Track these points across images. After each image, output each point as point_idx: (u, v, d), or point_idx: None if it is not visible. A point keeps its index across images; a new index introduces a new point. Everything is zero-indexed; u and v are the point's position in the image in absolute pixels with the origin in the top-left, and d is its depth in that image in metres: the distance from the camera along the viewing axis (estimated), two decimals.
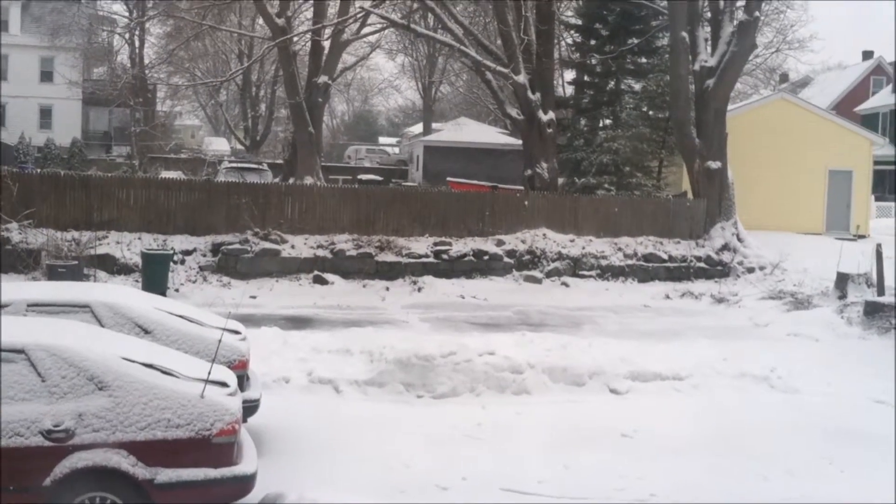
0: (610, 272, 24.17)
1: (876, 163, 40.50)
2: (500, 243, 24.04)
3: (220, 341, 8.72)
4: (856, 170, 33.60)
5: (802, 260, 25.13)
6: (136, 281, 19.81)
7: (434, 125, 59.55)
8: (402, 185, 43.80)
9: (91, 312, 9.32)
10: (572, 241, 24.66)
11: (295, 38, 33.39)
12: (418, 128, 65.60)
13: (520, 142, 31.99)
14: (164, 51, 45.50)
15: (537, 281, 23.28)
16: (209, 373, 7.69)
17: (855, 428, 11.98)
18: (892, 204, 44.02)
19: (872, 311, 18.75)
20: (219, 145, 66.26)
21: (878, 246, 20.94)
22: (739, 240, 26.32)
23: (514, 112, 28.99)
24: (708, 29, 29.90)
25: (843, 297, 20.75)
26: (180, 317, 9.99)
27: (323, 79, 32.57)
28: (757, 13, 27.72)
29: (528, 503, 8.98)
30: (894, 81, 57.12)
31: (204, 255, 21.88)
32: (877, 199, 42.59)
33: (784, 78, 67.02)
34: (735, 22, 27.27)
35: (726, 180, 27.02)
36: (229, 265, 21.63)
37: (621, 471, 9.89)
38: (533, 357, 13.85)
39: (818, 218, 33.12)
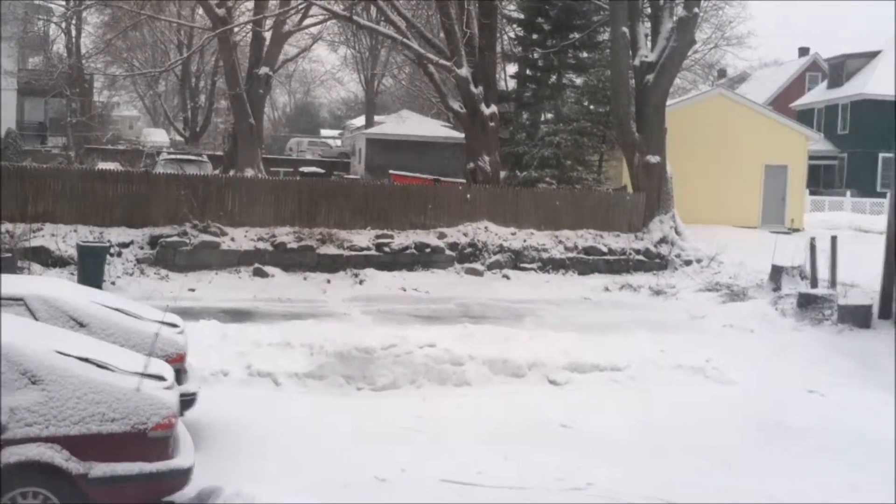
0: (551, 265, 24.33)
1: (811, 158, 41.44)
2: (441, 236, 24.07)
3: (157, 335, 8.64)
4: (791, 165, 34.24)
5: (738, 253, 25.53)
6: (72, 274, 19.47)
7: (376, 118, 59.36)
8: (344, 177, 43.62)
9: (25, 305, 9.15)
10: (514, 234, 24.78)
11: (236, 29, 33.06)
12: (360, 120, 65.36)
13: (462, 135, 32.08)
14: (101, 40, 44.66)
15: (479, 273, 23.36)
16: (146, 366, 7.61)
17: (789, 419, 12.20)
18: (826, 198, 44.96)
19: (806, 303, 19.17)
20: (157, 136, 65.24)
21: (812, 239, 21.38)
22: (677, 233, 26.67)
23: (456, 105, 29.03)
24: (648, 25, 30.23)
25: (777, 289, 21.17)
26: (117, 310, 9.86)
27: (264, 70, 32.34)
28: (696, 9, 28.09)
29: (467, 494, 9.02)
30: (829, 77, 58.24)
31: (141, 248, 21.57)
32: (811, 194, 43.46)
33: (722, 74, 68.11)
34: (674, 18, 27.59)
35: (665, 174, 27.35)
36: (167, 258, 21.35)
37: (560, 461, 9.99)
38: (474, 349, 13.93)
39: (754, 212, 33.69)
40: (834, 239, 20.81)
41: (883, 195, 38.61)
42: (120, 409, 7.20)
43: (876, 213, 39.03)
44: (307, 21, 36.38)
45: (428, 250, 23.49)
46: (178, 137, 59.56)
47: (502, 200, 25.62)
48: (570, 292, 22.41)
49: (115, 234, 21.44)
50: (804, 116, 56.15)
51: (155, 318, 9.88)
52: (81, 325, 9.23)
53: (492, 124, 27.96)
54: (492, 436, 10.83)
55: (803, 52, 69.58)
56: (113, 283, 19.40)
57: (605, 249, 25.05)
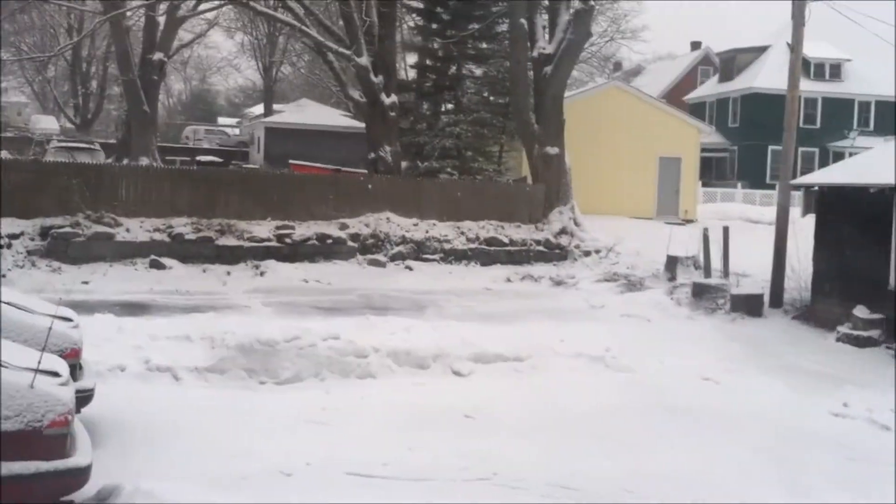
0: (453, 256, 24.43)
1: (703, 150, 42.61)
2: (343, 227, 23.92)
3: (50, 329, 8.35)
4: (684, 157, 35.15)
5: (635, 243, 26.09)
6: None
7: (275, 106, 58.62)
8: (243, 167, 43.02)
9: None
10: (416, 224, 24.79)
11: (128, 13, 32.21)
12: (259, 109, 64.43)
13: (363, 125, 31.90)
14: None
15: (381, 265, 23.32)
16: (39, 362, 7.34)
17: (686, 403, 12.55)
18: (718, 190, 46.24)
19: (700, 292, 19.72)
20: (47, 123, 63.15)
21: (705, 230, 21.97)
22: (576, 224, 27.09)
23: (356, 95, 28.87)
24: (546, 17, 30.57)
25: (672, 279, 21.72)
26: (7, 304, 9.50)
27: (158, 55, 31.64)
28: (592, 3, 28.50)
29: (373, 486, 9.00)
30: (720, 71, 59.86)
31: (32, 239, 20.85)
32: (704, 185, 44.66)
33: (618, 67, 69.39)
34: (571, 10, 27.95)
35: (564, 166, 27.74)
36: (59, 249, 20.68)
37: (464, 451, 10.04)
38: (377, 341, 13.89)
39: (649, 203, 34.48)
40: (726, 230, 21.43)
41: (772, 187, 39.92)
42: (13, 407, 6.94)
43: (766, 205, 40.33)
44: (203, 6, 35.69)
45: (330, 241, 23.31)
46: (69, 125, 57.85)
47: (404, 191, 25.61)
48: (472, 283, 22.55)
49: (5, 225, 20.64)
50: (696, 110, 57.63)
51: (47, 312, 9.54)
52: None
53: (392, 114, 27.92)
54: (397, 428, 10.83)
55: (695, 46, 71.38)
56: (3, 276, 18.70)
57: (506, 240, 25.26)
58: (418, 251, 24.11)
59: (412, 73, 37.99)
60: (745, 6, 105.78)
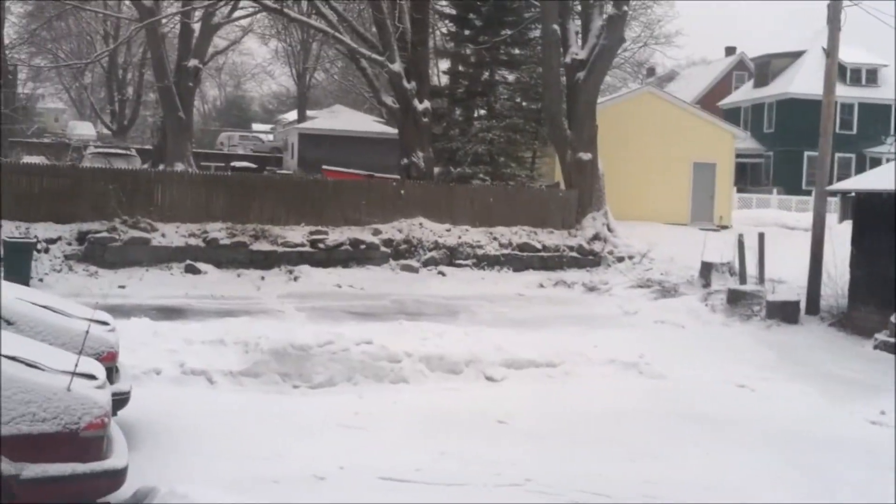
0: (485, 261, 24.43)
1: (738, 156, 42.27)
2: (376, 232, 24.00)
3: (87, 332, 8.43)
4: (719, 162, 34.86)
5: (669, 249, 25.95)
6: None
7: (309, 112, 58.92)
8: (277, 172, 43.25)
9: None
10: (448, 230, 24.82)
11: (164, 20, 32.55)
12: (293, 115, 64.79)
13: (395, 131, 32.01)
14: (25, 31, 43.69)
15: (414, 270, 23.35)
16: (76, 365, 7.42)
17: (718, 412, 12.43)
18: (754, 196, 45.85)
19: (735, 298, 19.56)
20: (84, 129, 63.78)
21: (740, 236, 21.81)
22: (610, 230, 26.99)
23: (389, 101, 28.97)
24: (579, 22, 30.51)
25: (707, 285, 21.56)
26: (44, 307, 9.61)
27: (193, 62, 31.91)
28: (625, 8, 28.45)
29: (405, 491, 9.00)
30: (755, 77, 59.40)
31: (69, 244, 21.12)
32: (739, 191, 44.29)
33: (651, 72, 69.10)
34: (604, 16, 27.90)
35: (597, 171, 27.66)
36: (96, 254, 20.93)
37: (497, 456, 10.02)
38: (410, 346, 13.91)
39: (683, 209, 34.23)
40: (761, 236, 21.25)
41: (808, 193, 39.52)
42: (51, 409, 7.02)
43: (802, 211, 39.91)
44: (237, 13, 35.96)
45: (363, 247, 23.40)
46: (106, 131, 58.47)
47: (437, 197, 25.66)
48: (505, 289, 22.53)
49: (42, 230, 20.95)
50: (731, 115, 57.18)
51: (85, 316, 9.64)
52: (9, 323, 8.97)
53: (425, 120, 27.98)
54: (429, 432, 10.83)
55: (730, 51, 70.83)
56: (41, 280, 18.95)
57: (539, 246, 25.23)
58: (451, 257, 24.13)
59: (445, 79, 38.09)
60: (780, 11, 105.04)
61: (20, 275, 17.87)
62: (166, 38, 35.50)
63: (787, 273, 21.78)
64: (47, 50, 49.01)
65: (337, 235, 23.42)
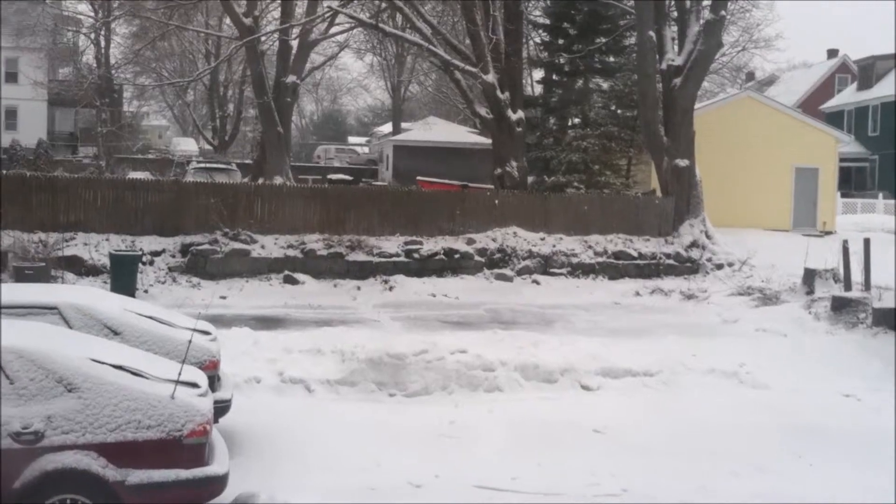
0: (580, 270, 24.24)
1: (842, 160, 41.02)
2: (470, 242, 24.05)
3: (189, 342, 8.67)
4: (822, 167, 33.92)
5: (770, 256, 25.33)
6: (105, 282, 19.62)
7: (403, 124, 59.41)
8: (372, 184, 43.70)
9: (59, 314, 9.22)
10: (543, 239, 24.72)
11: (263, 38, 33.26)
12: (387, 127, 65.41)
13: (489, 141, 32.02)
14: (130, 51, 45.11)
15: (508, 279, 23.31)
16: (179, 373, 7.63)
17: (823, 423, 12.09)
18: (858, 200, 44.49)
19: (840, 306, 18.94)
20: (187, 145, 65.65)
21: (845, 242, 21.15)
22: (708, 237, 26.49)
23: (483, 111, 29.02)
24: (675, 28, 30.08)
25: (810, 292, 20.97)
26: (149, 318, 9.92)
27: (291, 78, 32.44)
28: (723, 12, 27.92)
29: (501, 500, 8.99)
30: (859, 79, 57.73)
31: (173, 256, 21.73)
32: (843, 196, 43.04)
33: (750, 76, 67.56)
34: (701, 21, 27.45)
35: (694, 178, 27.18)
36: (198, 266, 21.50)
37: (593, 467, 9.93)
38: (504, 355, 13.89)
39: (785, 215, 33.40)
40: (867, 241, 20.57)
41: None
42: (155, 417, 7.24)
43: None
44: (333, 29, 36.46)
45: (457, 256, 23.47)
46: (207, 146, 59.92)
47: (530, 206, 25.56)
48: (600, 297, 22.33)
49: (147, 243, 21.61)
50: (834, 118, 55.63)
51: (187, 326, 9.92)
52: (115, 332, 9.29)
53: (519, 129, 27.94)
54: (525, 442, 10.79)
55: (832, 53, 68.96)
56: (146, 292, 19.55)
57: (634, 254, 24.93)
58: (545, 265, 24.01)
59: (538, 89, 37.97)
60: (883, 11, 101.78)
61: (126, 286, 18.48)
62: (265, 56, 36.21)
63: (894, 279, 21.02)
64: (151, 69, 50.47)
65: (431, 245, 23.55)
